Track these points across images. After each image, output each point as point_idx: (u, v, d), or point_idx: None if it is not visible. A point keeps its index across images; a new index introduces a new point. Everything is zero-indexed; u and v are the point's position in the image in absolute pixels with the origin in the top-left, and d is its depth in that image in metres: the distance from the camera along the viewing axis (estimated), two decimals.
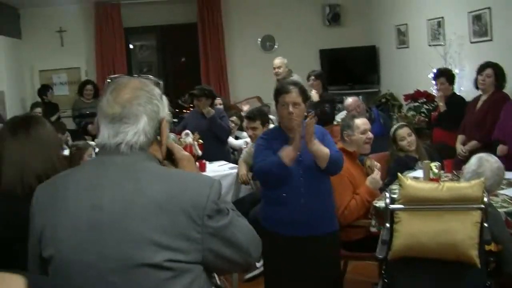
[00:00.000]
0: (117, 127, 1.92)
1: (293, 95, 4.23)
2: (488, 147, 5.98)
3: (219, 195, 1.93)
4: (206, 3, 11.67)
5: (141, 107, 1.93)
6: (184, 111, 10.12)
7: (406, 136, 5.89)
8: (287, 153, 4.04)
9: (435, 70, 8.39)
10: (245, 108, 9.31)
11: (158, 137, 2.02)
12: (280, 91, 4.32)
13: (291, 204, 4.20)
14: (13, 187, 2.64)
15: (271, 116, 7.11)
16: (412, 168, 5.69)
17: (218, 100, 9.31)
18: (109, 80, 2.09)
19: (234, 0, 11.89)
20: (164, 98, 2.04)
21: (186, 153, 2.20)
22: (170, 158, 2.16)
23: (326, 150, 4.14)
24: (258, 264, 5.71)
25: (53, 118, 9.60)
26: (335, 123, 7.93)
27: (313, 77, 8.64)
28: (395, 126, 6.18)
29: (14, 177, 2.65)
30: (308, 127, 3.99)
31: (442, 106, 7.42)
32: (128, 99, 1.93)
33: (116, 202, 1.85)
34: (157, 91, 2.01)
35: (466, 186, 3.72)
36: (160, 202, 1.83)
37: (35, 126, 2.79)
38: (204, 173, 2.20)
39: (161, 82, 2.07)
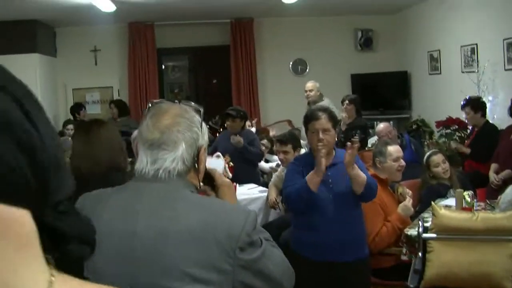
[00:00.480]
0: (156, 153, 1.92)
1: (323, 121, 4.20)
2: None
3: (254, 227, 1.91)
4: (239, 26, 11.76)
5: (180, 134, 1.93)
6: (215, 133, 10.15)
7: (440, 163, 5.84)
8: (310, 178, 4.03)
9: (467, 97, 8.34)
10: (272, 133, 9.31)
11: (196, 165, 2.00)
12: (309, 118, 4.30)
13: (321, 230, 4.17)
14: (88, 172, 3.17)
15: (301, 141, 7.09)
16: (444, 196, 5.63)
17: (248, 122, 9.36)
18: (150, 105, 2.09)
19: (267, 24, 11.94)
20: (204, 125, 2.03)
21: (227, 180, 2.20)
22: (211, 184, 2.16)
23: (364, 176, 4.11)
24: None
25: None
26: (366, 148, 7.90)
27: (347, 101, 8.61)
28: (428, 153, 6.12)
29: (86, 166, 3.22)
30: (351, 151, 3.98)
31: (466, 150, 7.36)
32: (167, 125, 1.93)
33: (150, 229, 1.84)
34: (197, 118, 2.00)
35: (501, 217, 3.67)
36: (195, 232, 1.82)
37: (96, 128, 3.46)
38: (236, 198, 2.17)
39: (201, 109, 2.05)
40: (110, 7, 9.00)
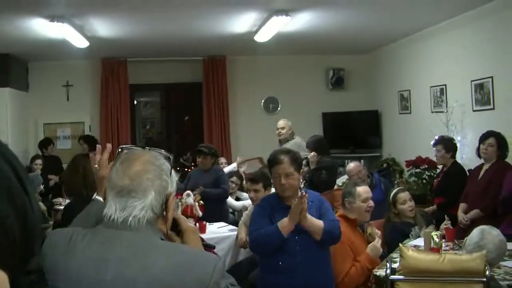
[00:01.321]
0: (125, 200, 1.91)
1: (285, 166, 4.20)
2: (491, 217, 5.96)
3: (222, 275, 1.93)
4: (212, 64, 11.81)
5: (150, 181, 1.92)
6: (186, 169, 10.14)
7: (407, 200, 5.88)
8: (283, 226, 4.03)
9: (437, 137, 8.43)
10: (242, 168, 9.31)
11: (164, 212, 2.00)
12: (272, 162, 4.30)
13: (287, 273, 4.14)
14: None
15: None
16: (407, 234, 5.65)
17: (222, 159, 9.38)
18: (120, 150, 2.09)
19: (239, 62, 12.02)
20: (173, 173, 2.04)
21: (192, 225, 2.24)
22: (175, 229, 2.16)
23: (319, 225, 4.11)
24: None
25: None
26: (336, 187, 7.92)
27: (308, 149, 8.37)
28: (395, 190, 6.16)
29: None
30: (301, 205, 3.96)
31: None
32: (138, 173, 1.93)
33: (120, 279, 1.83)
34: (167, 165, 2.00)
35: (468, 258, 3.70)
36: (165, 281, 1.82)
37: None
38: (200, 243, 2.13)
39: (171, 157, 2.06)
40: (83, 43, 9.00)
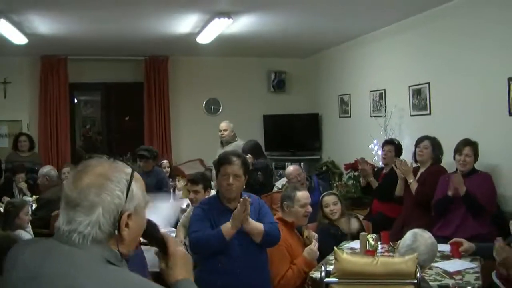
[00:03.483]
0: (72, 214, 1.77)
1: (235, 167, 4.24)
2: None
3: None
4: (154, 64, 11.75)
5: (98, 197, 1.76)
6: None
7: (330, 204, 5.94)
8: (226, 231, 4.07)
9: (375, 141, 8.57)
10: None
11: (117, 231, 1.79)
12: (222, 161, 4.32)
13: (226, 274, 4.17)
14: None
15: (212, 182, 7.10)
16: (336, 234, 5.73)
17: (165, 163, 9.33)
18: (87, 156, 1.97)
19: (181, 62, 11.98)
20: (135, 189, 1.85)
21: (182, 250, 2.05)
22: (163, 250, 2.03)
23: (260, 227, 4.16)
24: None
25: None
26: (275, 189, 7.97)
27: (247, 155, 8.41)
28: (324, 193, 6.24)
29: None
30: (245, 208, 4.01)
31: (372, 181, 7.55)
32: (87, 185, 1.78)
33: None
34: (124, 180, 1.83)
35: (399, 261, 3.77)
36: None
37: None
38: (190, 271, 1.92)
39: (132, 171, 1.88)
40: (22, 40, 8.82)
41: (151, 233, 2.00)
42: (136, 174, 1.87)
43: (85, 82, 11.96)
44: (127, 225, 1.80)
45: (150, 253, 2.57)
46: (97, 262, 1.72)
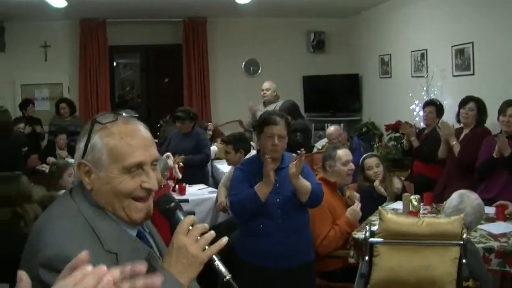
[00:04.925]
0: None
1: (280, 127, 4.15)
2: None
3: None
4: (192, 26, 11.70)
5: (76, 150, 1.88)
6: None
7: (373, 166, 5.89)
8: (260, 189, 4.02)
9: (416, 101, 8.45)
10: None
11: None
12: (267, 121, 4.22)
13: (267, 236, 4.14)
14: None
15: (252, 144, 7.09)
16: (376, 198, 5.69)
17: (210, 126, 9.38)
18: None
19: (220, 23, 11.91)
20: (99, 142, 1.82)
21: (183, 240, 1.76)
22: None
23: (308, 186, 4.10)
24: None
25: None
26: (315, 150, 7.94)
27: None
28: (364, 155, 6.17)
29: None
30: (298, 163, 3.95)
31: (414, 140, 7.44)
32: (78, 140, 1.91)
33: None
34: (87, 134, 1.85)
35: (445, 222, 3.73)
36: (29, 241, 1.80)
37: None
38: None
39: (99, 120, 1.85)
40: (62, 3, 8.85)
41: (161, 205, 1.89)
42: (112, 129, 1.83)
43: (124, 44, 11.98)
44: (87, 174, 1.82)
45: None
46: (71, 201, 1.83)
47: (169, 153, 6.86)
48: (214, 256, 1.77)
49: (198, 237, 1.75)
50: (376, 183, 5.81)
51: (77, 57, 11.49)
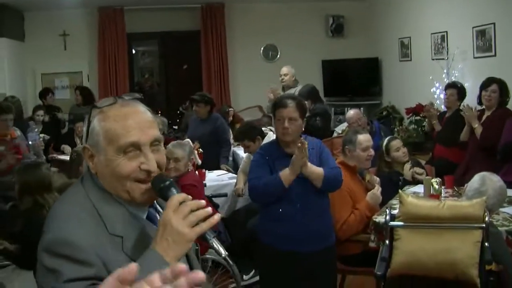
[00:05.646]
0: None
1: (290, 109, 4.11)
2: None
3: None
4: (210, 12, 11.68)
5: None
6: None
7: (400, 147, 5.84)
8: (285, 177, 3.99)
9: (437, 84, 8.36)
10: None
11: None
12: (277, 105, 4.22)
13: (287, 220, 4.12)
14: None
15: (271, 128, 7.04)
16: (396, 182, 5.63)
17: (231, 111, 9.38)
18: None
19: (238, 9, 11.89)
20: (97, 126, 1.83)
21: (169, 216, 1.66)
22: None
23: (320, 172, 4.06)
24: (246, 277, 5.71)
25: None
26: (335, 134, 7.90)
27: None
28: (387, 139, 6.08)
29: None
30: (300, 153, 3.91)
31: (436, 124, 7.36)
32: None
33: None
34: (88, 119, 1.88)
35: (467, 204, 3.69)
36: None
37: None
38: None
39: (96, 105, 1.87)
40: None
41: (156, 184, 1.81)
42: (109, 112, 1.82)
43: (142, 31, 12.00)
44: (91, 159, 1.84)
45: None
46: (76, 192, 1.86)
47: (188, 140, 6.86)
48: (209, 234, 1.69)
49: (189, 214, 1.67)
50: (407, 166, 5.75)
51: (96, 45, 11.54)
